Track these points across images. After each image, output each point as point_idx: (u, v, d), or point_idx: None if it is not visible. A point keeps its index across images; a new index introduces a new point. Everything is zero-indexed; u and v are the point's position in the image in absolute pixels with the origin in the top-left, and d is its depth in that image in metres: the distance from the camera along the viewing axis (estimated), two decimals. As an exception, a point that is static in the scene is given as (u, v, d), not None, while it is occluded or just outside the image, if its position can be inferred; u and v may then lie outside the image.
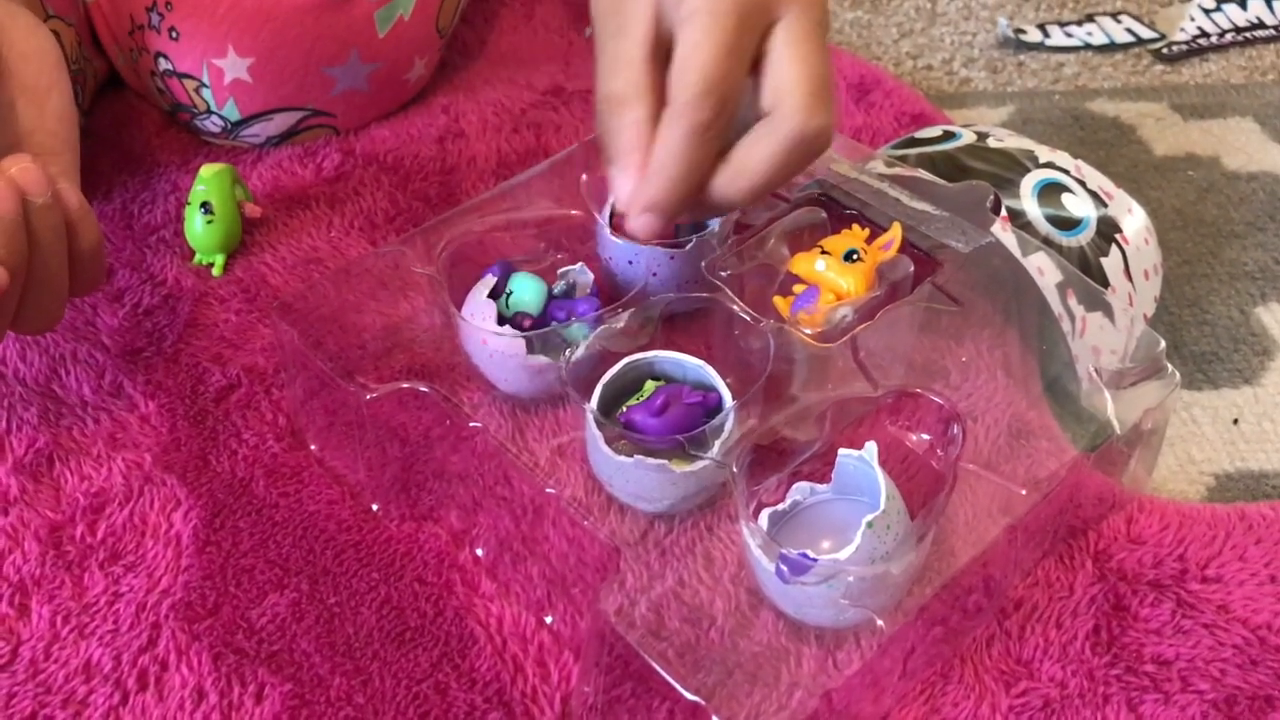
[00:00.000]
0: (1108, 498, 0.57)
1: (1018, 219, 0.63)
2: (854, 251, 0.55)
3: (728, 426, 0.52)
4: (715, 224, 0.59)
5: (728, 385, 0.54)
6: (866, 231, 0.56)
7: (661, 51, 0.51)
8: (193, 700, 0.49)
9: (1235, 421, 0.64)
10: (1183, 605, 0.53)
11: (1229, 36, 0.97)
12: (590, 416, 0.52)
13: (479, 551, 0.54)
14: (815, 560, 0.47)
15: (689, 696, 0.44)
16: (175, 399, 0.61)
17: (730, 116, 0.50)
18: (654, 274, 0.58)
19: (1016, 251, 0.58)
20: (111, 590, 0.52)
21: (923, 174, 0.62)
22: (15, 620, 0.51)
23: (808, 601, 0.48)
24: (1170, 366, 0.56)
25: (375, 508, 0.56)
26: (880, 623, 0.46)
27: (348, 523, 0.56)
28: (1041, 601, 0.53)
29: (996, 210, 0.59)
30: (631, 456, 0.51)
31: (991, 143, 0.67)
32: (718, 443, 0.52)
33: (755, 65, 0.51)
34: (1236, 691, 0.51)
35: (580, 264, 0.59)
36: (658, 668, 0.45)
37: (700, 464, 0.51)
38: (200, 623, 0.51)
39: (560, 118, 0.81)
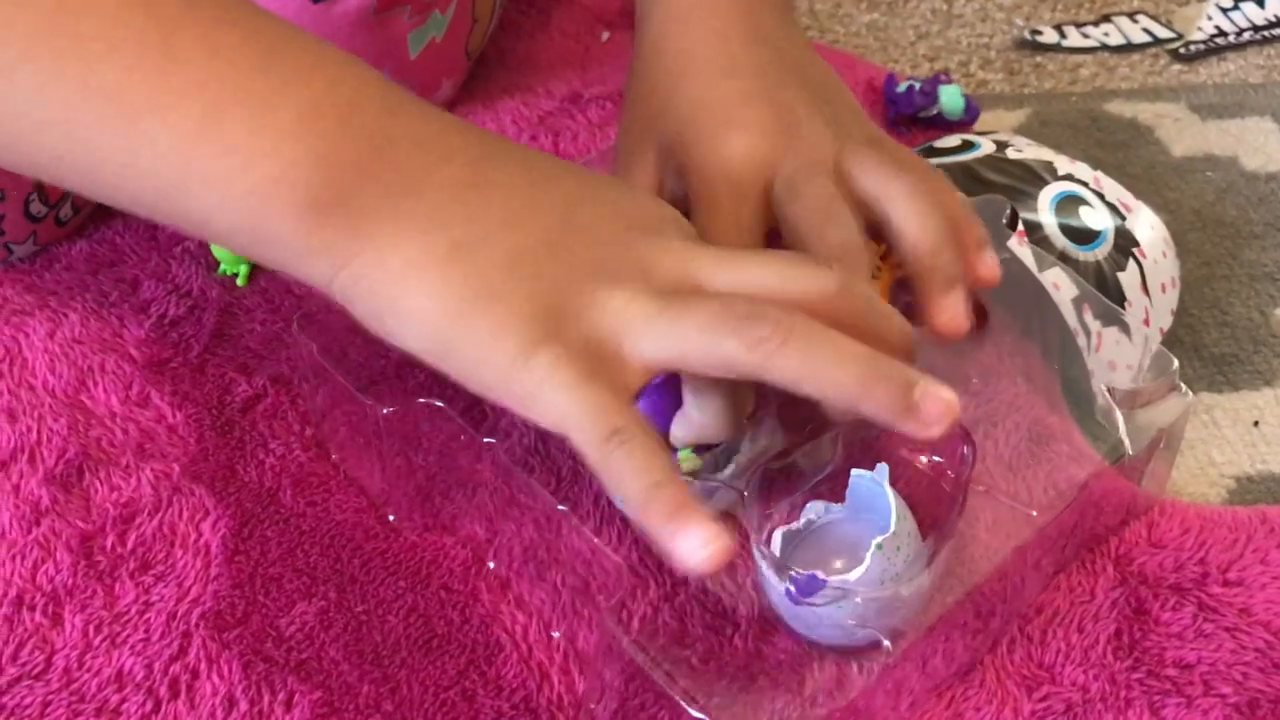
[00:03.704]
0: (1128, 503, 0.57)
1: (1034, 232, 0.63)
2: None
3: (742, 448, 0.52)
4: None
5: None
6: (884, 247, 0.56)
7: None
8: (224, 708, 0.50)
9: (1256, 424, 0.64)
10: (1204, 609, 0.54)
11: (1247, 35, 0.97)
12: None
13: (490, 564, 0.54)
14: (825, 581, 0.47)
15: (696, 715, 0.44)
16: (202, 409, 0.61)
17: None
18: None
19: (1033, 266, 0.58)
20: (142, 600, 0.53)
21: (941, 185, 0.62)
22: (49, 629, 0.52)
23: (818, 622, 0.48)
24: (1184, 386, 0.56)
25: (392, 518, 0.56)
26: (887, 643, 0.46)
27: (374, 531, 0.56)
28: (1063, 606, 0.54)
29: (1013, 225, 0.59)
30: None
31: (1011, 154, 0.67)
32: (730, 467, 0.52)
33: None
34: (1259, 695, 0.51)
35: None
36: (667, 687, 0.45)
37: (713, 485, 0.52)
38: (230, 631, 0.52)
39: (577, 124, 0.81)
